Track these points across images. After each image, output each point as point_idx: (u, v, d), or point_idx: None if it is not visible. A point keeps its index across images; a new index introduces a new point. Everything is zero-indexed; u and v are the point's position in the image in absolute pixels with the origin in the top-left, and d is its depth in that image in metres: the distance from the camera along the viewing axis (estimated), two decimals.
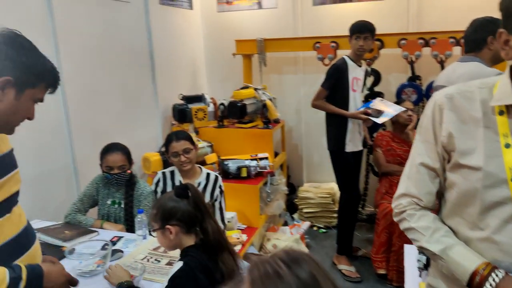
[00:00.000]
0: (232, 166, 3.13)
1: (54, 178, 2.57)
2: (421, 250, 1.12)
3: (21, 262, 1.17)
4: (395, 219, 1.15)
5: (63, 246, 1.95)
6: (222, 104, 3.58)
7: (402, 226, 1.12)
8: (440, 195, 1.11)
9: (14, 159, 1.30)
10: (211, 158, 3.27)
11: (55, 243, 2.00)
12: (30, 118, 1.20)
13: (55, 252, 1.89)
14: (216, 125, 3.59)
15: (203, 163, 3.25)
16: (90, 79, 2.85)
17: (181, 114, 3.48)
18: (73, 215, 2.26)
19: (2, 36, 1.09)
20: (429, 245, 1.03)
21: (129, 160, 2.34)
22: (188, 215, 1.51)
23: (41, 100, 1.20)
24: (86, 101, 2.80)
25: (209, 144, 3.44)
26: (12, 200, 1.23)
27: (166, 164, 3.02)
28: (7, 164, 1.23)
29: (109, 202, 2.33)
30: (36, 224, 2.22)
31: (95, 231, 2.13)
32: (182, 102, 3.55)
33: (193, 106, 3.50)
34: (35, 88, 1.15)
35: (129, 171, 2.32)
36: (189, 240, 1.52)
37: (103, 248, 1.87)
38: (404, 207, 1.11)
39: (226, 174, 3.13)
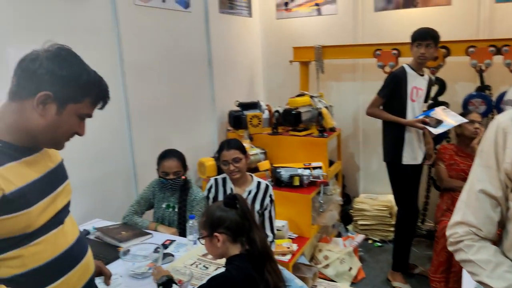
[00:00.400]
0: (284, 174, 3.11)
1: (115, 179, 2.71)
2: (481, 285, 1.03)
3: (75, 273, 1.19)
4: (450, 248, 1.07)
5: (119, 247, 2.04)
6: (277, 111, 3.57)
7: (459, 257, 1.04)
8: (502, 225, 1.02)
9: (64, 170, 1.30)
10: (264, 165, 3.28)
11: (112, 243, 2.11)
12: (79, 134, 1.16)
13: (112, 252, 1.99)
14: (271, 132, 3.59)
15: (255, 169, 3.27)
16: (151, 86, 2.97)
17: (237, 120, 3.54)
18: (131, 216, 2.37)
19: (46, 51, 1.08)
20: (491, 281, 0.95)
21: (184, 166, 2.41)
22: (235, 225, 1.54)
23: (89, 116, 1.16)
24: (147, 107, 2.93)
25: (263, 151, 3.45)
26: (64, 212, 1.23)
27: (220, 169, 3.07)
28: (58, 177, 1.24)
29: (164, 205, 2.42)
30: (96, 223, 2.36)
31: (150, 234, 2.21)
32: (238, 108, 3.60)
33: (248, 113, 3.54)
34: (77, 103, 1.10)
35: (183, 177, 2.39)
36: (235, 249, 1.54)
37: (155, 251, 1.93)
38: (460, 236, 1.03)
39: (278, 182, 3.12)
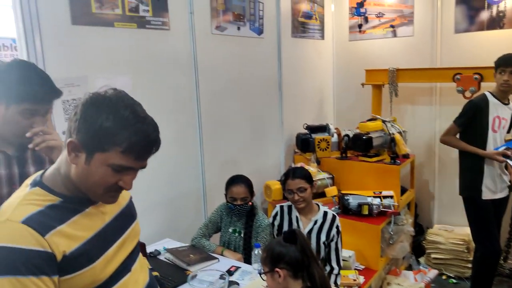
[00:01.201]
0: (353, 202, 3.04)
1: (186, 201, 2.83)
2: None
3: None
4: None
5: (187, 270, 2.12)
6: (346, 135, 3.51)
7: None
8: None
9: (133, 209, 1.25)
10: (331, 191, 3.22)
11: (181, 265, 2.19)
12: (122, 187, 1.04)
13: (180, 275, 2.06)
14: (339, 157, 3.53)
15: (322, 195, 3.23)
16: (223, 110, 3.08)
17: (304, 143, 3.53)
18: (199, 239, 2.45)
19: (92, 96, 1.01)
20: None
21: (251, 192, 2.45)
22: (295, 260, 1.57)
23: (127, 168, 1.01)
24: (218, 130, 3.04)
25: (330, 176, 3.40)
26: (131, 257, 1.17)
27: None
28: (126, 219, 1.19)
29: (230, 230, 2.47)
30: (167, 243, 2.47)
31: (216, 258, 2.27)
32: (306, 131, 3.60)
33: (317, 136, 3.52)
34: (105, 153, 0.97)
35: (250, 203, 2.42)
36: (297, 285, 1.57)
37: (221, 277, 1.97)
38: None
39: (346, 209, 3.05)
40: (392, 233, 3.03)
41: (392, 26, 3.97)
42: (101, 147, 0.97)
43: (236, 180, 2.45)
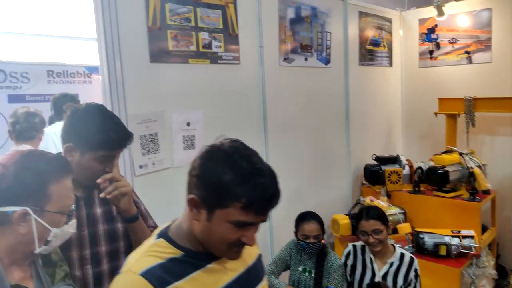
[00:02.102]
0: (428, 241, 2.83)
1: None
2: None
3: None
4: None
5: None
6: (419, 168, 3.33)
7: None
8: None
9: (261, 267, 1.17)
10: (404, 228, 3.04)
11: None
12: (245, 243, 0.99)
13: None
14: (411, 190, 3.34)
15: (394, 231, 3.05)
16: (289, 140, 3.04)
17: (373, 175, 3.39)
18: (268, 276, 2.39)
19: (208, 149, 0.99)
20: None
21: (323, 230, 2.36)
22: None
23: (250, 224, 0.97)
24: (285, 161, 2.99)
25: (402, 211, 3.22)
26: None
27: (355, 228, 2.95)
28: (251, 279, 1.11)
29: (300, 269, 2.38)
30: None
31: None
32: (374, 162, 3.46)
33: (387, 168, 3.37)
34: (225, 209, 0.94)
35: (323, 241, 2.33)
36: None
37: None
38: None
39: (420, 249, 2.85)
40: (474, 277, 2.79)
41: (467, 52, 3.76)
42: (221, 204, 0.94)
43: (307, 216, 2.37)
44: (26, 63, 6.09)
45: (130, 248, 1.52)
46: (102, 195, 1.40)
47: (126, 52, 2.05)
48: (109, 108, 1.95)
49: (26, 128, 2.60)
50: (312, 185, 3.25)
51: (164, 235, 1.04)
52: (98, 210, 1.49)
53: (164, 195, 2.21)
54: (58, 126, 3.19)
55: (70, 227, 1.14)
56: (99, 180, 1.40)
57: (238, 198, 0.93)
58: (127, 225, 1.50)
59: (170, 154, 2.27)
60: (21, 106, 2.82)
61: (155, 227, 1.63)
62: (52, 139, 3.34)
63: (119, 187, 1.42)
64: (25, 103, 5.91)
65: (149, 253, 1.00)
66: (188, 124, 2.36)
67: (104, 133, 1.39)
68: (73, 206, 1.16)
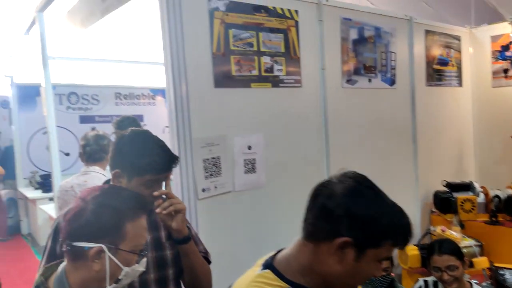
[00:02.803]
0: (510, 278, 2.57)
1: None
2: None
3: None
4: None
5: None
6: (496, 196, 3.07)
7: None
8: None
9: None
10: (481, 262, 2.79)
11: None
12: (374, 275, 1.01)
13: None
14: (488, 221, 3.08)
15: (469, 266, 2.81)
16: (352, 165, 2.90)
17: (444, 203, 3.18)
18: None
19: (341, 183, 0.99)
20: None
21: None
22: None
23: (388, 258, 1.07)
24: None
25: (478, 243, 2.96)
26: None
27: (424, 260, 2.75)
28: None
29: None
30: None
31: None
32: (445, 189, 3.24)
33: (459, 196, 3.15)
34: (378, 248, 0.94)
35: (392, 274, 2.19)
36: None
37: None
38: None
39: (500, 286, 2.59)
40: None
41: None
42: (376, 244, 0.94)
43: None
44: (96, 86, 6.51)
45: (179, 275, 1.51)
46: (158, 210, 1.39)
47: (191, 77, 2.09)
48: (174, 132, 1.99)
49: (96, 150, 2.72)
50: None
51: (270, 266, 1.01)
52: (147, 237, 1.47)
53: (225, 218, 2.21)
54: None
55: (140, 266, 1.14)
56: (156, 193, 1.40)
57: (392, 237, 0.95)
58: (179, 247, 1.47)
59: (231, 177, 2.26)
60: (90, 129, 2.97)
61: (206, 252, 1.61)
62: None
63: (175, 204, 1.41)
64: (95, 124, 6.29)
65: (256, 283, 0.99)
66: (249, 147, 2.35)
67: (149, 157, 1.40)
68: (145, 245, 1.16)
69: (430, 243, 2.25)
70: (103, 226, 1.07)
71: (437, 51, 3.63)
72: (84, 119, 6.31)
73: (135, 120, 3.62)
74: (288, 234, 1.14)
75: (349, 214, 0.93)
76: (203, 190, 2.11)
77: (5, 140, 7.76)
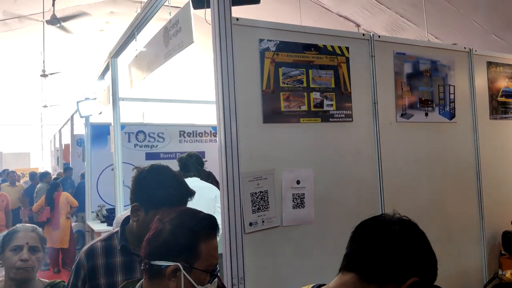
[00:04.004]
0: None
1: None
2: None
3: None
4: None
5: None
6: None
7: None
8: None
9: None
10: None
11: None
12: None
13: None
14: None
15: None
16: (409, 203, 2.81)
17: None
18: None
19: (398, 224, 1.10)
20: None
21: None
22: None
23: None
24: None
25: None
26: None
27: None
28: None
29: None
30: None
31: None
32: None
33: None
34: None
35: None
36: None
37: None
38: None
39: None
40: None
41: None
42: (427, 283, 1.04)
43: None
44: (162, 125, 6.91)
45: None
46: None
47: (240, 113, 2.17)
48: (223, 166, 2.07)
49: None
50: (439, 253, 2.89)
51: None
52: None
53: (272, 254, 2.20)
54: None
55: (213, 286, 1.19)
56: None
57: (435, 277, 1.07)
58: None
59: (279, 212, 2.28)
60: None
61: None
62: None
63: None
64: (160, 160, 6.62)
65: None
66: (298, 182, 2.36)
67: (165, 190, 1.47)
68: (217, 266, 1.22)
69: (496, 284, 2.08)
70: (179, 246, 1.13)
71: (501, 83, 3.45)
72: (150, 156, 6.66)
73: (198, 158, 3.82)
74: (335, 273, 1.14)
75: (415, 254, 1.03)
76: (250, 224, 2.15)
77: (78, 176, 8.42)
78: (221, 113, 2.12)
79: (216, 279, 1.19)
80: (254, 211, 2.18)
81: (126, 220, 1.67)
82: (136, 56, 3.78)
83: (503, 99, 3.43)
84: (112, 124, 4.49)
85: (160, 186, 1.50)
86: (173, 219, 1.17)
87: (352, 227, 1.36)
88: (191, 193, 1.55)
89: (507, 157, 3.38)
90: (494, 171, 3.24)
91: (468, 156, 3.15)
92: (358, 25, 8.18)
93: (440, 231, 2.92)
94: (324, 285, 1.11)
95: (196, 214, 1.23)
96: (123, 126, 5.90)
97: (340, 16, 8.44)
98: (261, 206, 2.21)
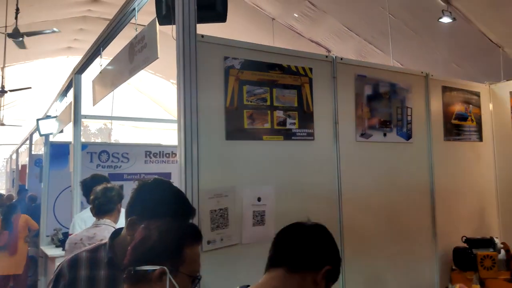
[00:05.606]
0: None
1: None
2: None
3: None
4: None
5: None
6: None
7: None
8: None
9: None
10: None
11: None
12: None
13: None
14: (509, 279, 2.92)
15: None
16: (366, 220, 2.88)
17: (464, 259, 3.07)
18: None
19: (317, 226, 1.35)
20: None
21: None
22: None
23: None
24: (361, 240, 2.83)
25: None
26: None
27: None
28: None
29: None
30: None
31: None
32: (465, 245, 3.12)
33: (479, 252, 3.02)
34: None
35: None
36: None
37: None
38: None
39: None
40: None
41: None
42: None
43: None
44: (127, 145, 6.78)
45: None
46: None
47: (203, 130, 2.19)
48: (182, 183, 2.05)
49: (104, 203, 2.81)
50: (393, 269, 2.97)
51: None
52: None
53: (230, 272, 2.18)
54: (88, 211, 3.20)
55: None
56: None
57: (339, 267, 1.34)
58: None
59: (239, 230, 2.27)
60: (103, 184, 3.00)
61: None
62: (79, 225, 3.38)
63: None
64: (123, 181, 6.46)
65: None
66: (259, 199, 2.38)
67: (168, 206, 1.45)
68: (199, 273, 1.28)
69: None
70: (166, 249, 1.19)
71: (455, 107, 3.64)
72: (112, 177, 6.45)
73: (106, 179, 3.43)
74: None
75: (328, 247, 1.27)
76: (208, 243, 2.12)
77: (34, 198, 8.05)
78: (182, 128, 2.12)
79: (199, 285, 1.26)
80: (213, 228, 2.16)
81: (116, 232, 1.64)
82: (100, 72, 3.75)
83: (456, 121, 3.61)
84: (73, 142, 4.38)
85: (163, 201, 1.48)
86: (160, 226, 1.22)
87: None
88: (193, 211, 1.56)
89: (459, 177, 3.53)
90: (446, 190, 3.37)
91: (423, 176, 3.27)
92: (329, 51, 8.47)
93: (395, 247, 3.00)
94: (249, 285, 1.30)
95: (182, 222, 1.30)
96: (85, 145, 5.74)
97: (312, 41, 8.72)
98: (221, 224, 2.20)
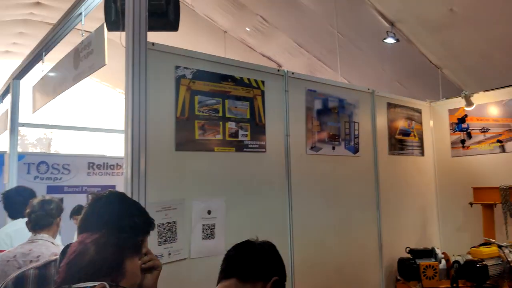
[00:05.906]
0: None
1: None
2: None
3: None
4: None
5: None
6: (456, 261, 3.05)
7: None
8: None
9: None
10: None
11: None
12: None
13: None
14: (449, 287, 3.04)
15: None
16: (316, 231, 2.91)
17: (408, 270, 3.17)
18: None
19: (265, 243, 1.53)
20: None
21: None
22: None
23: None
24: (311, 252, 2.85)
25: None
26: None
27: None
28: None
29: None
30: None
31: None
32: (409, 256, 3.24)
33: (422, 262, 3.15)
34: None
35: None
36: None
37: None
38: None
39: None
40: None
41: (499, 141, 3.66)
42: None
43: None
44: (69, 155, 6.42)
45: None
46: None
47: (152, 140, 2.11)
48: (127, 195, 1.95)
49: (41, 216, 2.58)
50: (342, 281, 3.02)
51: None
52: None
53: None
54: (13, 225, 3.06)
55: None
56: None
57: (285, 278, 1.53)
58: None
59: (188, 244, 2.21)
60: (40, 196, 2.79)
61: None
62: (4, 240, 3.03)
63: (154, 259, 1.44)
64: (63, 194, 6.10)
65: None
66: (209, 212, 2.33)
67: (129, 219, 1.39)
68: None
69: None
70: (106, 264, 1.11)
71: (399, 123, 3.80)
72: (52, 189, 6.07)
73: (31, 193, 3.16)
74: None
75: (275, 261, 1.45)
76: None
77: None
78: (130, 138, 2.03)
79: None
80: (160, 243, 2.08)
81: (68, 247, 1.50)
82: (41, 78, 3.55)
83: (400, 136, 3.78)
84: (8, 152, 4.09)
85: (123, 214, 1.40)
86: (97, 239, 1.15)
87: None
88: (153, 223, 1.48)
89: (403, 189, 3.68)
90: (391, 202, 3.50)
91: (369, 188, 3.38)
92: (280, 66, 8.60)
93: (343, 258, 3.06)
94: None
95: (119, 232, 1.23)
96: (22, 155, 5.38)
97: (264, 55, 8.82)
98: (168, 238, 2.12)
